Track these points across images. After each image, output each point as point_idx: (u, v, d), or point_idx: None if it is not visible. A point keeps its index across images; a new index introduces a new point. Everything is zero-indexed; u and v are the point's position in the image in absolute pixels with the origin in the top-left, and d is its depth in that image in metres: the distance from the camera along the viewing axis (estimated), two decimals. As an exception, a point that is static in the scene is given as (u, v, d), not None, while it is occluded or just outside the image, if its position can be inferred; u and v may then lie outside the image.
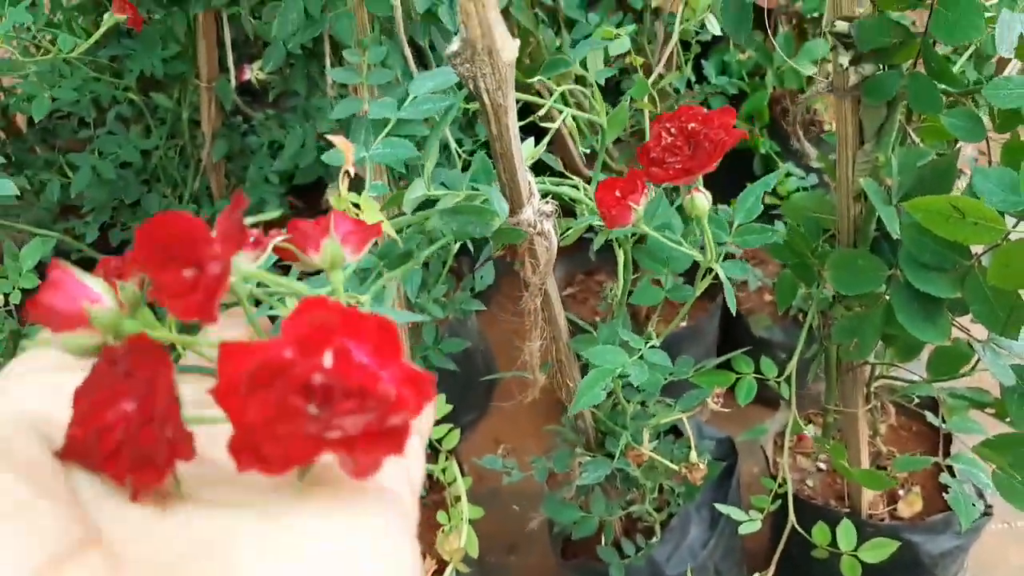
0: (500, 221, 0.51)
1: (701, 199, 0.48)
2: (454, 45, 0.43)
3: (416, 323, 0.92)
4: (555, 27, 1.25)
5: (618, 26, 1.10)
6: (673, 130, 0.46)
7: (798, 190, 1.45)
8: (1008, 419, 0.69)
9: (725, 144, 0.45)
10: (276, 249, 0.36)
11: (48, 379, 0.26)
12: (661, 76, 0.99)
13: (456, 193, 0.50)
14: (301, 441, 0.21)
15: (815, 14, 1.44)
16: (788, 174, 1.53)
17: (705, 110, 0.47)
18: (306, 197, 1.16)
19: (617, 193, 0.47)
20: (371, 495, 0.23)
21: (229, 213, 0.28)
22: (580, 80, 0.90)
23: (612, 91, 1.28)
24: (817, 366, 0.83)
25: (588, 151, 1.07)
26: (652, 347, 0.57)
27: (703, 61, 1.06)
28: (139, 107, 0.98)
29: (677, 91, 1.04)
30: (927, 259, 0.59)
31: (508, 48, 0.42)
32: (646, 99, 0.76)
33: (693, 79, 1.05)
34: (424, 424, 0.27)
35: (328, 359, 0.22)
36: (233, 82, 0.93)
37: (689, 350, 1.38)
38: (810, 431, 1.08)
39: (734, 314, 0.54)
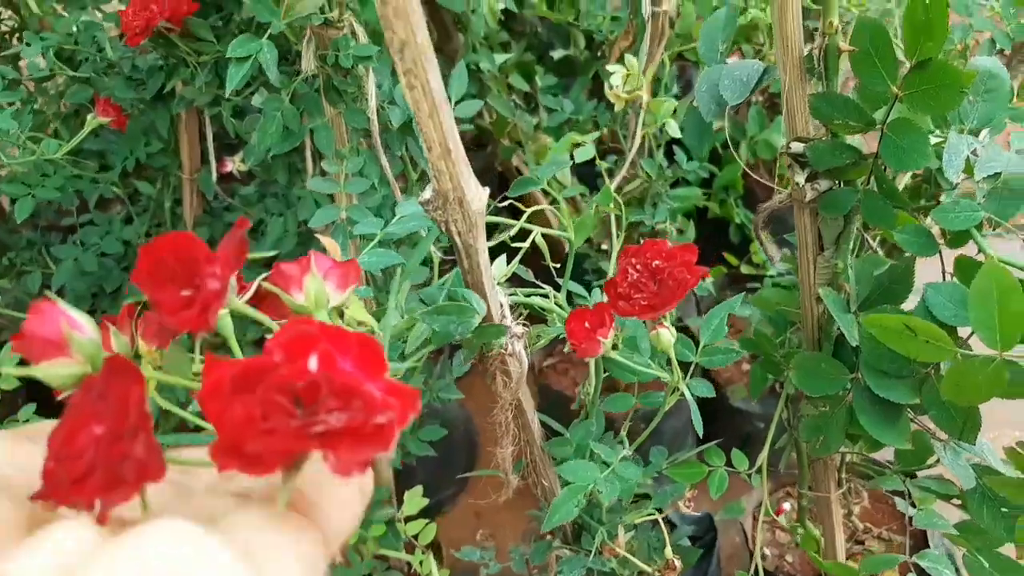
0: (480, 319, 0.53)
1: (666, 335, 0.50)
2: (427, 193, 0.45)
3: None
4: (532, 106, 1.29)
5: (593, 113, 1.14)
6: (639, 266, 0.48)
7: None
8: (973, 511, 0.71)
9: (688, 284, 0.47)
10: (260, 306, 0.37)
11: None
12: (627, 179, 1.02)
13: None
14: (285, 437, 0.21)
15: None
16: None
17: (669, 244, 0.49)
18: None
19: (587, 324, 0.49)
20: None
21: (232, 236, 0.28)
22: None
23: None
24: (789, 454, 0.85)
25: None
26: (624, 459, 0.59)
27: (674, 147, 1.09)
28: (122, 195, 1.00)
29: (649, 176, 1.07)
30: (886, 367, 0.62)
31: (478, 199, 0.45)
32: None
33: (666, 164, 1.08)
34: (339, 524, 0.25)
35: (313, 362, 0.22)
36: (214, 175, 0.95)
37: (667, 421, 1.40)
38: (787, 513, 1.10)
39: (701, 433, 0.55)
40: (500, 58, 1.13)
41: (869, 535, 1.09)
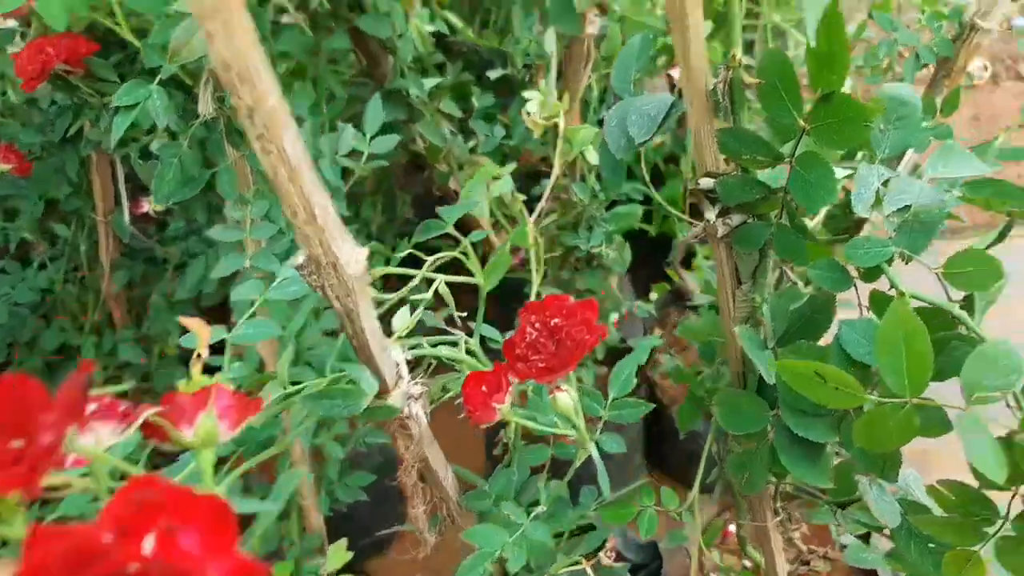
0: (369, 399, 0.50)
1: (564, 399, 0.48)
2: (299, 258, 0.43)
3: (319, 448, 0.90)
4: (466, 132, 1.27)
5: (524, 136, 1.12)
6: (538, 324, 0.46)
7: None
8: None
9: (587, 344, 0.45)
10: (148, 431, 0.35)
11: None
12: (552, 208, 1.01)
13: (320, 382, 0.49)
14: None
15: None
16: (707, 256, 1.57)
17: (571, 299, 0.47)
18: (213, 317, 1.14)
19: (484, 389, 0.47)
20: None
21: (73, 382, 0.26)
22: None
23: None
24: (722, 487, 0.83)
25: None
26: (535, 518, 0.57)
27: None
28: (36, 240, 0.96)
29: (581, 200, 1.05)
30: (804, 405, 0.60)
31: (354, 262, 0.42)
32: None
33: (598, 187, 1.07)
34: None
35: (149, 544, 0.20)
36: (127, 216, 0.92)
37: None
38: (732, 537, 1.09)
39: (607, 494, 0.54)
40: (430, 83, 1.10)
41: (815, 555, 1.08)
